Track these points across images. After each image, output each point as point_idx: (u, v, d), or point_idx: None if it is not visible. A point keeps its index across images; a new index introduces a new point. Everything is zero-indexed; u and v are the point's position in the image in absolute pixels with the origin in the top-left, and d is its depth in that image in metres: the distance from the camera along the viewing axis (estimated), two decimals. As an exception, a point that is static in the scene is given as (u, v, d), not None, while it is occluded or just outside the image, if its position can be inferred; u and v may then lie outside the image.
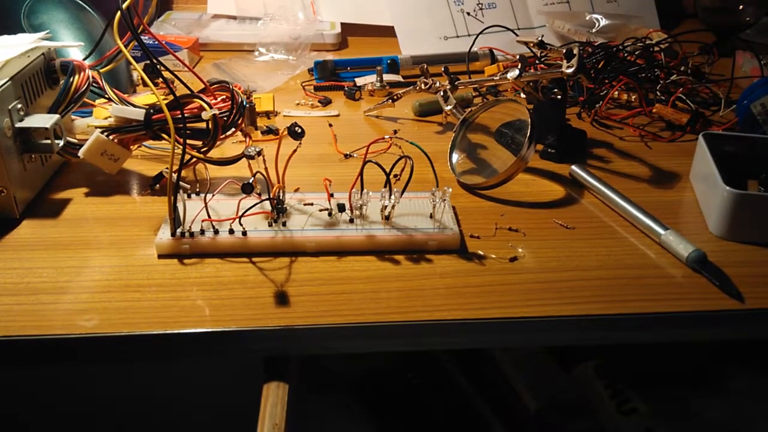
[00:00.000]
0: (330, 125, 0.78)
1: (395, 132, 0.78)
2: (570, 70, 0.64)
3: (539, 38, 0.70)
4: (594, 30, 1.00)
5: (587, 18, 1.02)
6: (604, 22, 1.00)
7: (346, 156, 0.71)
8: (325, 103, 0.86)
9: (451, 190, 0.57)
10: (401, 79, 0.91)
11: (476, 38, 0.94)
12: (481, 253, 0.56)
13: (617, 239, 0.58)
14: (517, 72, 0.67)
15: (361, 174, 0.56)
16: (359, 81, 0.90)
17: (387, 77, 0.89)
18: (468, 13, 1.05)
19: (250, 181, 0.53)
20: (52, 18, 0.81)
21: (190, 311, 0.48)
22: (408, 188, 0.57)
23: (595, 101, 0.83)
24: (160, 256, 0.54)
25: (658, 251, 0.56)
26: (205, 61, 1.00)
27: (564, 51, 0.64)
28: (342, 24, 1.09)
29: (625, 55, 0.89)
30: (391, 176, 0.56)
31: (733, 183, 0.57)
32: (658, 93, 0.84)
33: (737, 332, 0.53)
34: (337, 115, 0.83)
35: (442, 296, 0.51)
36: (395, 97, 0.81)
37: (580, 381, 0.65)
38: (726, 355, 0.68)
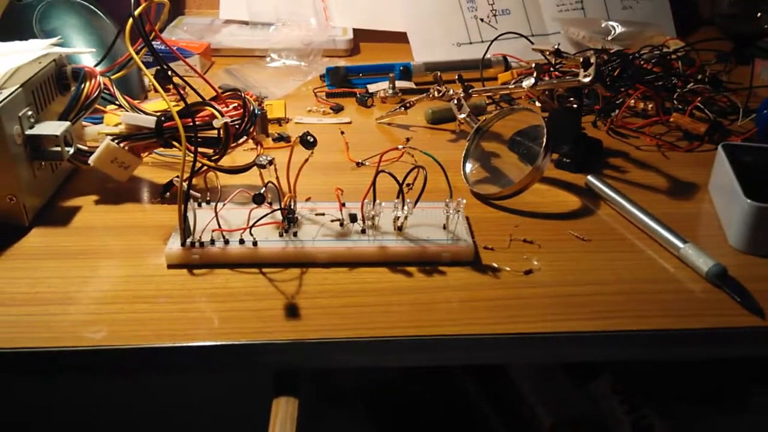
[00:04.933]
0: (342, 133, 0.78)
1: (407, 140, 0.77)
2: (587, 80, 0.63)
3: (555, 46, 0.69)
4: (610, 37, 0.98)
5: (603, 25, 1.00)
6: (619, 29, 0.99)
7: (358, 164, 0.70)
8: (337, 110, 0.85)
9: (465, 201, 0.55)
10: (414, 86, 0.91)
11: (490, 45, 0.93)
12: (496, 265, 0.55)
13: (635, 252, 0.57)
14: (532, 80, 0.66)
15: (373, 184, 0.55)
16: (371, 88, 0.89)
17: (399, 84, 0.88)
18: (481, 20, 1.04)
19: (262, 191, 0.52)
20: (64, 23, 0.81)
21: (199, 323, 0.47)
22: (421, 198, 0.56)
23: (611, 110, 0.81)
24: (169, 266, 0.53)
25: (676, 265, 0.55)
26: (216, 66, 1.00)
27: (581, 60, 0.63)
28: (354, 30, 1.08)
29: (642, 63, 0.88)
30: (404, 186, 0.55)
31: (754, 195, 0.56)
32: (675, 102, 0.82)
33: (758, 349, 0.51)
34: (349, 123, 0.82)
35: (455, 310, 0.50)
36: (408, 105, 0.80)
37: (595, 396, 0.64)
38: (746, 372, 0.67)
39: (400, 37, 1.04)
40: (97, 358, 0.45)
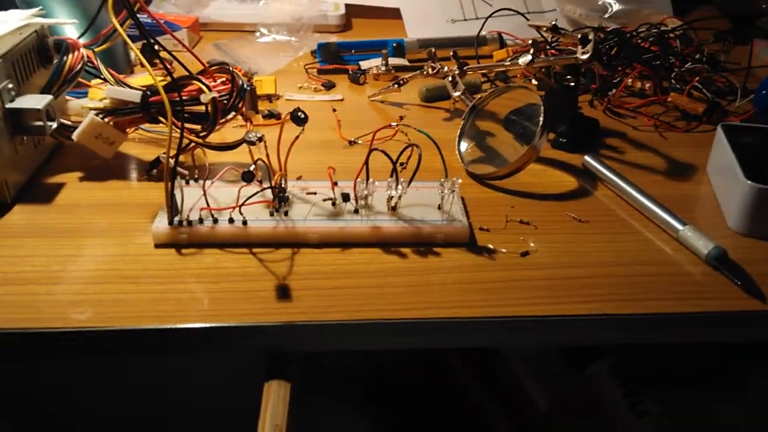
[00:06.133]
0: (334, 110, 0.76)
1: (401, 118, 0.75)
2: (585, 57, 0.61)
3: (552, 23, 0.67)
4: (607, 15, 0.97)
5: (600, 2, 0.99)
6: (617, 6, 0.97)
7: (351, 143, 0.69)
8: (329, 86, 0.83)
9: (460, 181, 0.54)
10: (407, 63, 0.89)
11: (485, 22, 0.91)
12: (491, 246, 0.53)
13: (633, 234, 0.56)
14: (529, 57, 0.64)
15: (366, 163, 0.54)
16: (364, 64, 0.87)
17: (392, 61, 0.86)
18: (476, -4, 1.02)
19: (251, 168, 0.51)
20: (46, -7, 0.78)
21: (187, 304, 0.46)
22: (415, 177, 0.54)
23: (608, 89, 0.80)
24: (156, 246, 0.52)
25: (675, 247, 0.54)
26: (205, 41, 0.97)
27: (579, 36, 0.62)
28: (346, 5, 1.06)
29: (639, 41, 0.86)
30: (398, 165, 0.54)
31: (753, 176, 0.55)
32: (672, 81, 0.81)
33: (758, 333, 0.50)
34: (341, 100, 0.80)
35: (450, 292, 0.48)
36: (401, 82, 0.79)
37: (592, 380, 0.63)
38: (745, 356, 0.66)
39: (393, 13, 1.02)
40: (82, 339, 0.44)
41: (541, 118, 0.59)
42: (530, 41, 0.66)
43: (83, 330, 0.43)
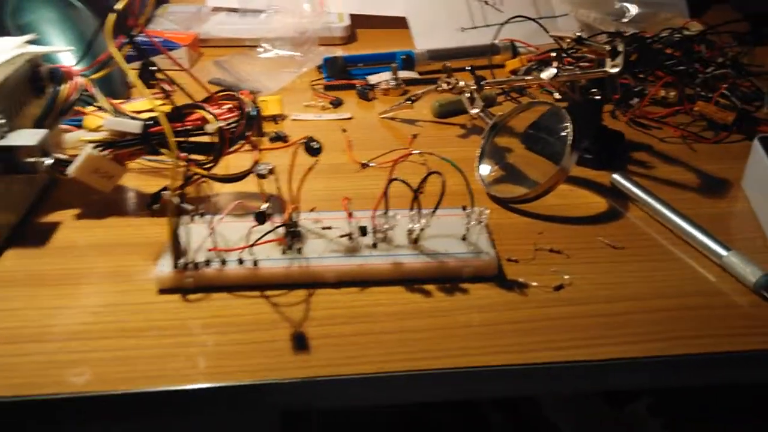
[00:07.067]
0: (344, 130, 0.72)
1: (414, 137, 0.71)
2: (615, 70, 0.57)
3: (578, 34, 0.63)
4: (625, 19, 0.92)
5: (616, 6, 0.94)
6: (635, 10, 0.93)
7: (363, 165, 0.65)
8: (337, 104, 0.79)
9: (488, 211, 0.50)
10: (417, 76, 0.85)
11: (499, 30, 0.87)
12: (522, 280, 0.49)
13: (672, 261, 0.52)
14: (554, 71, 0.60)
15: (385, 193, 0.50)
16: (372, 79, 0.83)
17: (402, 74, 0.83)
18: (486, 2, 0.98)
19: (263, 207, 0.47)
20: (40, 17, 0.75)
21: (196, 360, 0.42)
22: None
23: (630, 98, 0.76)
24: (161, 291, 0.48)
25: (718, 274, 0.50)
26: (205, 58, 0.93)
27: (608, 48, 0.58)
28: (351, 15, 1.02)
29: (660, 46, 0.82)
30: (414, 190, 0.50)
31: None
32: (697, 89, 0.77)
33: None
34: (350, 118, 0.77)
35: (479, 335, 0.45)
36: (413, 98, 0.75)
37: (632, 421, 0.60)
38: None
39: (400, 23, 0.97)
40: (80, 406, 0.40)
41: (571, 137, 0.56)
42: (553, 53, 0.62)
43: (82, 396, 0.39)
